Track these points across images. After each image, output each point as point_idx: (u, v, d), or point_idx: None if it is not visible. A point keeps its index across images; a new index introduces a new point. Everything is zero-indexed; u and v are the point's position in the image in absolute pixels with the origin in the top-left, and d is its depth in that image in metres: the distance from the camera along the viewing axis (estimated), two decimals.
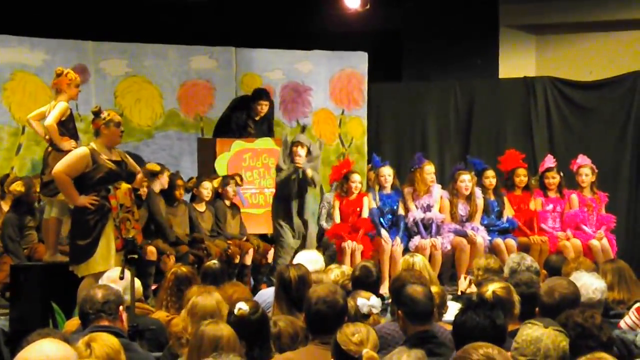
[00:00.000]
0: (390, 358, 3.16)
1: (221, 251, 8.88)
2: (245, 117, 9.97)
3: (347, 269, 6.11)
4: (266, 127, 10.18)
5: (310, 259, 6.11)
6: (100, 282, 5.57)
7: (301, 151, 8.54)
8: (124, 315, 4.47)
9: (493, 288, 4.58)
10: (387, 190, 9.33)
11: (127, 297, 5.04)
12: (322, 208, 9.84)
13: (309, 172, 8.55)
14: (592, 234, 9.38)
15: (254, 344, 4.11)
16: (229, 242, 9.04)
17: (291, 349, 4.39)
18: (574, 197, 9.51)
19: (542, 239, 9.30)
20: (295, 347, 4.42)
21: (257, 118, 10.01)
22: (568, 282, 4.72)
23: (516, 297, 4.63)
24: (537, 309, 4.60)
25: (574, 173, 9.62)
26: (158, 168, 8.92)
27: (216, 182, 9.28)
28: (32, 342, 3.43)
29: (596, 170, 9.60)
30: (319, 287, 4.47)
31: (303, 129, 9.44)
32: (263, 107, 9.99)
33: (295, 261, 6.25)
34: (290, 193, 8.62)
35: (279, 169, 8.65)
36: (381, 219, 9.24)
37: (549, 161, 9.64)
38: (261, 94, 10.10)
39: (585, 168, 9.55)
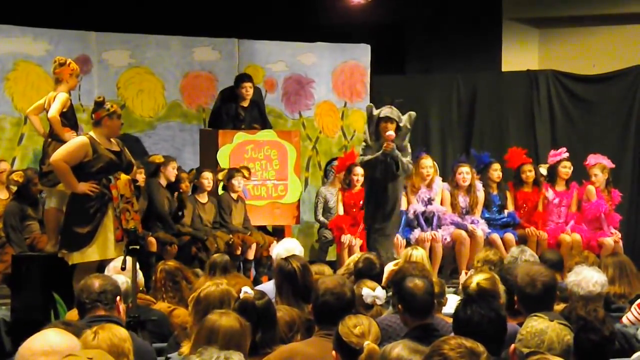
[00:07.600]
0: (386, 349, 3.16)
1: (223, 243, 8.87)
2: (234, 106, 9.87)
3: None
4: (257, 112, 10.04)
5: (288, 248, 6.05)
6: (106, 272, 5.59)
7: (391, 129, 7.54)
8: (122, 306, 4.47)
9: (477, 280, 4.54)
10: None
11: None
12: (318, 203, 9.84)
13: (402, 158, 7.55)
14: (606, 231, 9.36)
15: (257, 328, 4.11)
16: (231, 235, 9.02)
17: (288, 338, 4.38)
18: (591, 187, 9.45)
19: (541, 233, 9.29)
20: (292, 336, 4.42)
21: (245, 104, 9.87)
22: (544, 268, 4.63)
23: (501, 287, 4.59)
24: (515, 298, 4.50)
25: (585, 169, 9.59)
26: (162, 160, 8.89)
27: (221, 175, 9.24)
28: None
29: (607, 167, 9.52)
30: (327, 278, 4.45)
31: (392, 101, 7.91)
32: (248, 90, 9.78)
33: (274, 250, 6.23)
34: (378, 178, 7.73)
35: (365, 148, 7.75)
36: None
37: (564, 152, 9.57)
38: (243, 77, 9.96)
39: (594, 168, 9.48)
